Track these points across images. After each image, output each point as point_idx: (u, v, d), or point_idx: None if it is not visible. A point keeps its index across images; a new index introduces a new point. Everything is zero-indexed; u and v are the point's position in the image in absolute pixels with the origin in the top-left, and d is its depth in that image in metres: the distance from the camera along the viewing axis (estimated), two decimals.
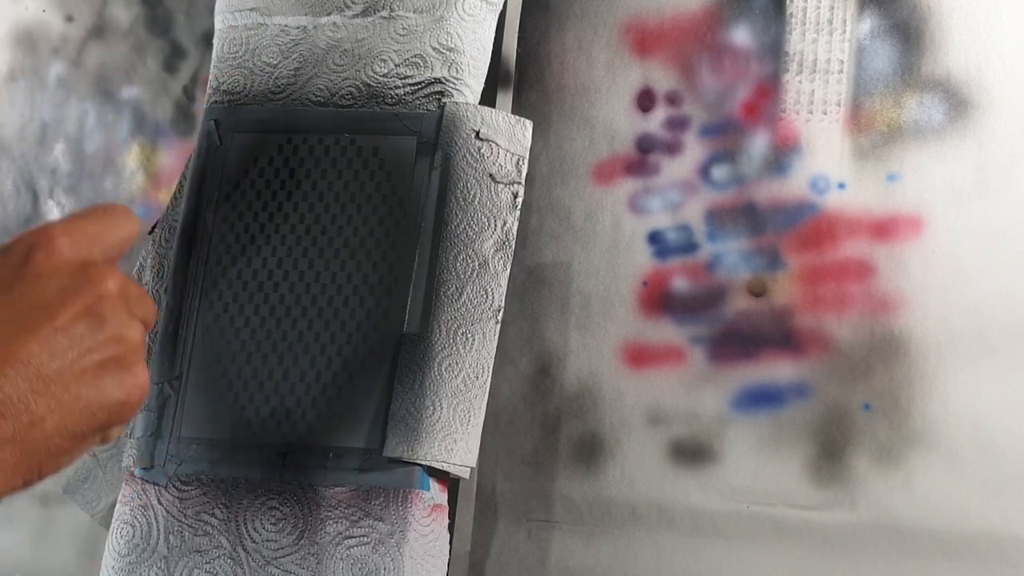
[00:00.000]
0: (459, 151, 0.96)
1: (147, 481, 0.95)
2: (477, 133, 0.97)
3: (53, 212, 1.23)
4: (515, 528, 1.01)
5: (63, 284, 0.46)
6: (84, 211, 0.49)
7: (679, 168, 1.04)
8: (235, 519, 0.92)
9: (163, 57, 1.22)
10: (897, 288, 0.97)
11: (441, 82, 0.98)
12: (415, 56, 0.99)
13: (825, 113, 1.02)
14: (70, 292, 0.46)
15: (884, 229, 0.98)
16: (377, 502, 0.90)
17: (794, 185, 1.01)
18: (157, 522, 0.93)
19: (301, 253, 0.97)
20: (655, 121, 1.06)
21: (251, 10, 1.05)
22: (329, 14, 1.03)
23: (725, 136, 1.04)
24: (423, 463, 0.90)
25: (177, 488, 0.94)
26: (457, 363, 0.92)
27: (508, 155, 0.96)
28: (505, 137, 0.97)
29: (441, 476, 0.93)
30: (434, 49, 0.99)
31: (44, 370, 0.45)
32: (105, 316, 0.47)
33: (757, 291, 1.00)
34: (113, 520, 0.96)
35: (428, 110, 0.98)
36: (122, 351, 0.48)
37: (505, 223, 0.95)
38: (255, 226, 0.99)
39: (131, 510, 0.94)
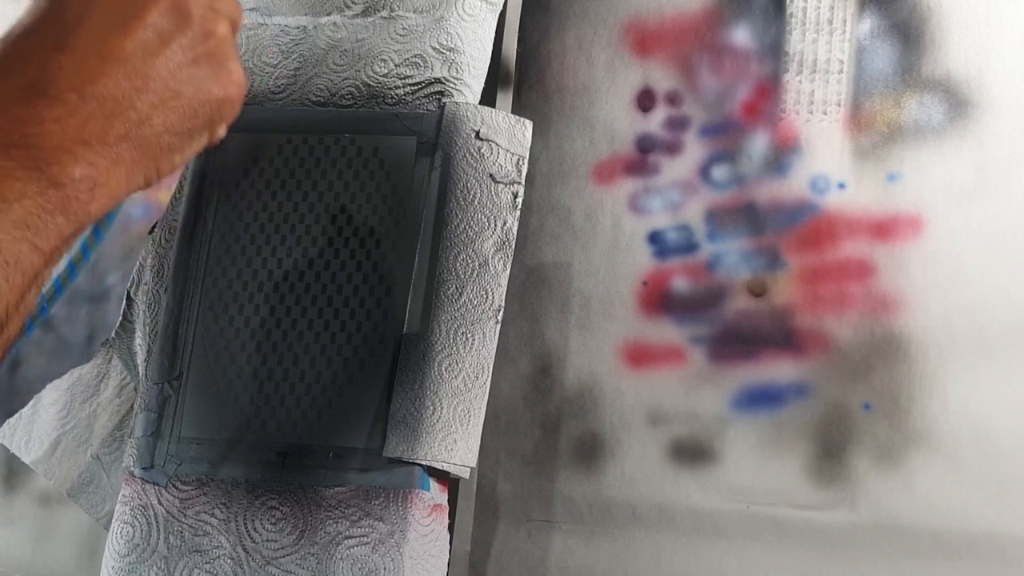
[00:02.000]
0: (459, 151, 0.96)
1: (147, 481, 0.95)
2: (477, 133, 0.97)
3: None
4: (515, 528, 1.01)
5: None
6: None
7: (679, 168, 1.04)
8: (235, 519, 0.92)
9: None
10: (897, 288, 0.97)
11: (441, 82, 0.98)
12: (415, 56, 0.99)
13: (825, 113, 1.02)
14: None
15: (884, 229, 0.99)
16: (377, 502, 0.90)
17: (794, 185, 1.01)
18: (157, 522, 0.93)
19: (301, 253, 0.97)
20: (655, 121, 1.06)
21: (251, 10, 1.05)
22: (329, 14, 1.03)
23: (725, 136, 1.04)
24: (423, 463, 0.90)
25: (177, 488, 0.94)
26: (457, 363, 0.92)
27: (508, 155, 0.96)
28: (505, 137, 0.97)
29: (441, 476, 0.93)
30: (434, 49, 0.99)
31: (141, 68, 0.44)
32: (191, 11, 0.46)
33: (757, 291, 1.00)
34: (113, 520, 0.96)
35: (428, 110, 0.98)
36: (213, 46, 0.47)
37: (505, 223, 0.95)
38: (255, 226, 0.99)
39: (131, 510, 0.94)
